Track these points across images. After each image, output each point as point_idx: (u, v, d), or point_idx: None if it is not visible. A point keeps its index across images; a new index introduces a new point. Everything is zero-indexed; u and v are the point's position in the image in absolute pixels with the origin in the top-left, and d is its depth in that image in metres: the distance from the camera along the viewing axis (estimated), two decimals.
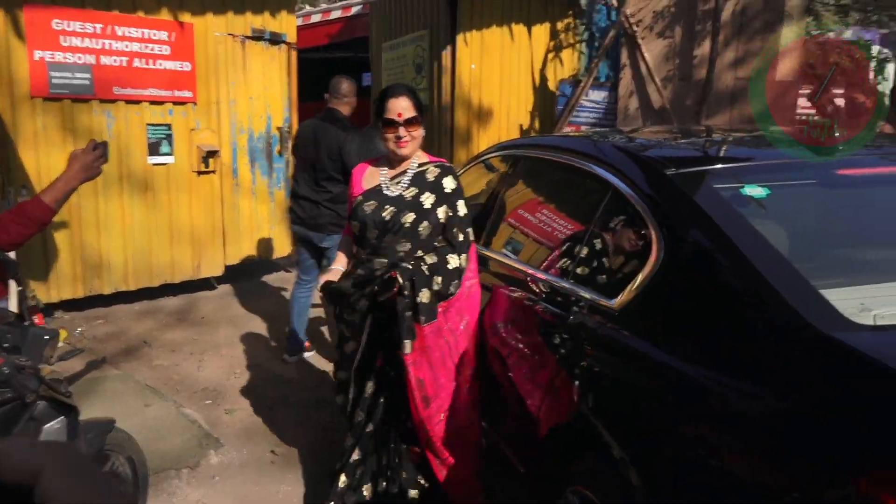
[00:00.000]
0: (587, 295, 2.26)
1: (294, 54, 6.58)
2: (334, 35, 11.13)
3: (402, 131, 2.55)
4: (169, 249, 5.88)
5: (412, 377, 2.44)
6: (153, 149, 5.67)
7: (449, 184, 2.62)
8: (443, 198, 2.59)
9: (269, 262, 6.82)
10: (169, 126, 5.73)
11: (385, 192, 2.63)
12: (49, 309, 5.35)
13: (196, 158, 5.88)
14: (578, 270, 2.41)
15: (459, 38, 7.37)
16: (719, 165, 2.30)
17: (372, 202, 2.61)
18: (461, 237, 2.59)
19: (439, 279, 2.47)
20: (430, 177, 2.63)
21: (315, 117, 4.37)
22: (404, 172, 2.65)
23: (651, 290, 1.99)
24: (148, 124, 5.62)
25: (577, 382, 2.12)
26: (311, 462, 3.39)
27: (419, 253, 2.54)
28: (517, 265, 2.81)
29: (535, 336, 2.48)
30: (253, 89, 6.32)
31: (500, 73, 7.69)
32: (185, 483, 3.19)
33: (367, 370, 2.63)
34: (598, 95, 7.64)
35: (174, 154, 5.79)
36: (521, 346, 2.55)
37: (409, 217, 2.55)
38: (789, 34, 6.18)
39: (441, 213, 2.57)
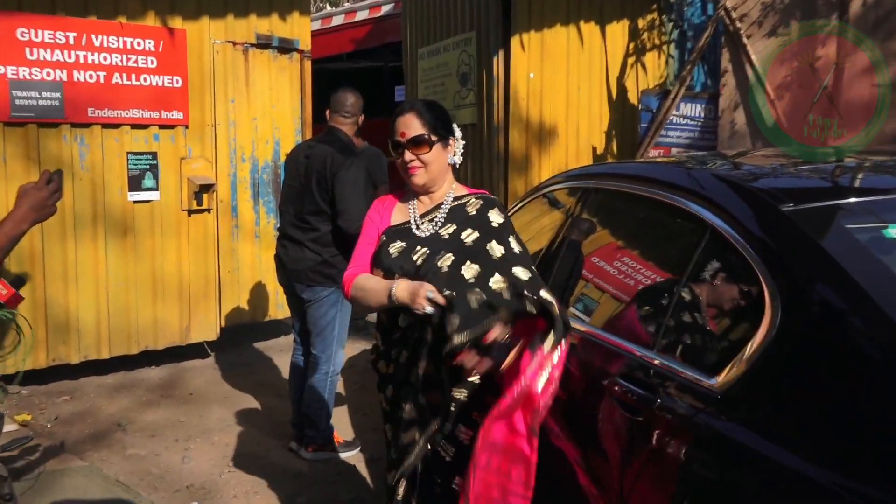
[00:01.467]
0: (680, 371, 2.21)
1: (308, 64, 6.76)
2: (360, 40, 11.40)
3: (407, 155, 2.58)
4: (152, 308, 5.99)
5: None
6: (135, 183, 5.84)
7: (495, 217, 2.61)
8: (489, 233, 2.57)
9: (275, 324, 6.88)
10: (154, 154, 5.90)
11: (415, 231, 2.64)
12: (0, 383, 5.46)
13: (187, 194, 6.02)
14: (667, 338, 2.35)
15: (514, 42, 7.45)
16: (853, 199, 2.24)
17: (399, 244, 2.62)
18: (523, 276, 2.48)
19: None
20: (472, 210, 2.64)
21: (313, 138, 4.46)
22: (438, 207, 2.67)
23: (764, 366, 1.93)
24: (129, 153, 5.80)
25: (665, 488, 2.05)
26: None
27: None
28: (587, 329, 2.77)
29: (610, 425, 2.42)
30: (257, 108, 6.49)
31: (566, 83, 7.73)
32: None
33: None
34: (693, 109, 7.59)
35: (160, 189, 5.95)
36: (590, 438, 2.48)
37: (447, 259, 2.52)
38: None
39: (494, 249, 2.53)
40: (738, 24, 7.07)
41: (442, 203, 2.66)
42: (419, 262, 2.55)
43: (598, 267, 2.97)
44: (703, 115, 7.59)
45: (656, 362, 2.32)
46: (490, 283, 2.45)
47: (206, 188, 6.06)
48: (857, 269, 1.87)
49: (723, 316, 2.26)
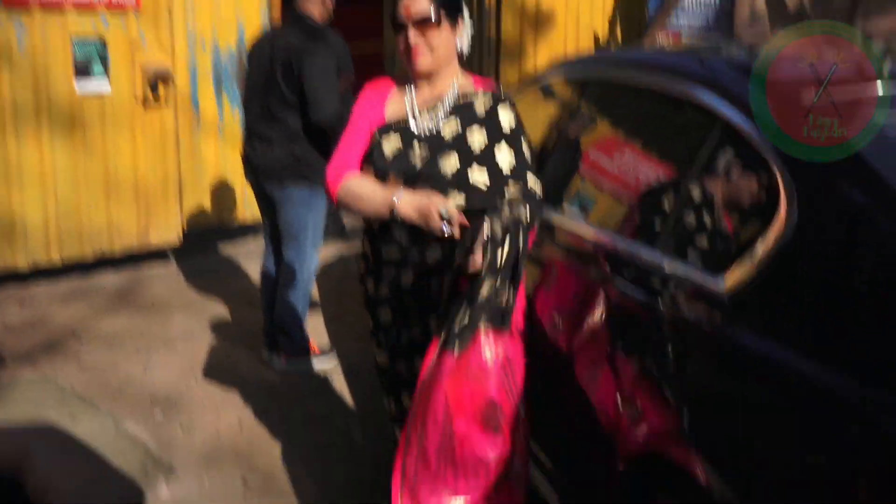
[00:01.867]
0: (684, 272, 2.22)
1: None
2: None
3: (413, 36, 2.49)
4: (105, 209, 5.96)
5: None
6: (82, 71, 5.72)
7: (506, 118, 2.54)
8: (500, 136, 2.51)
9: (243, 227, 6.88)
10: (102, 41, 5.77)
11: (413, 127, 2.57)
12: None
13: (141, 85, 5.92)
14: (671, 236, 2.37)
15: None
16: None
17: (395, 142, 2.55)
18: (530, 185, 2.49)
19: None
20: (479, 107, 2.56)
21: (277, 25, 4.37)
22: (440, 99, 2.59)
23: (778, 266, 1.94)
24: (73, 38, 5.65)
25: (668, 399, 2.10)
26: (297, 494, 3.44)
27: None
28: (585, 230, 2.79)
29: (609, 331, 2.45)
30: None
31: None
32: None
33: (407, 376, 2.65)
34: None
35: (110, 79, 5.84)
36: (587, 345, 2.52)
37: (452, 162, 2.48)
38: None
39: (502, 157, 2.49)
40: None
41: (444, 94, 2.59)
42: (418, 163, 2.50)
43: (598, 164, 2.97)
44: None
45: (659, 263, 2.33)
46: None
47: (163, 78, 5.95)
48: (883, 161, 1.87)
49: (732, 214, 2.26)
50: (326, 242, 5.27)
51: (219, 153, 6.51)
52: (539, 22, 7.58)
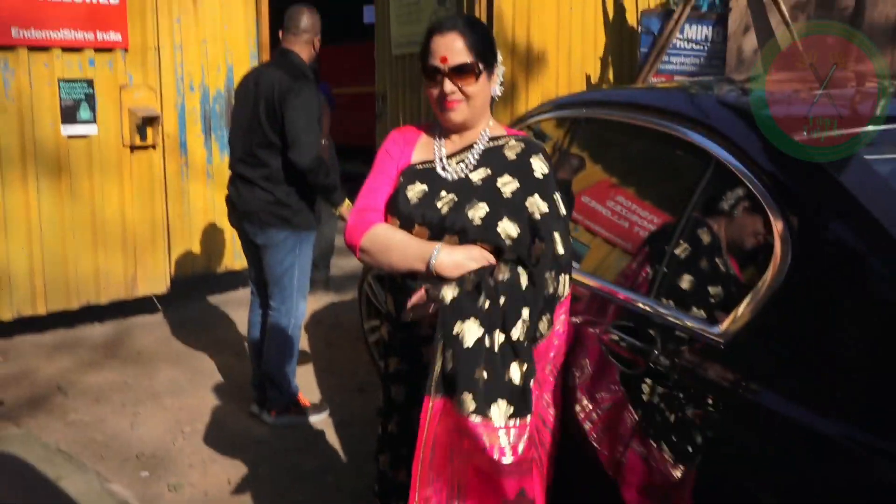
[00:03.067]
0: (678, 318, 2.22)
1: None
2: None
3: (448, 85, 2.38)
4: (93, 257, 5.93)
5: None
6: (68, 115, 5.72)
7: (539, 166, 2.44)
8: (532, 185, 2.39)
9: (232, 275, 6.86)
10: (90, 82, 5.78)
11: (441, 172, 2.48)
12: None
13: (128, 127, 5.92)
14: (665, 283, 2.36)
15: None
16: (873, 127, 2.21)
17: (420, 186, 2.45)
18: (561, 248, 2.35)
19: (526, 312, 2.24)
20: (510, 154, 2.47)
21: (263, 63, 4.40)
22: (469, 148, 2.50)
23: (773, 311, 1.94)
24: (61, 80, 5.67)
25: (665, 448, 2.09)
26: None
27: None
28: (578, 276, 2.76)
29: (603, 380, 2.43)
30: (207, 29, 6.38)
31: (556, 2, 7.62)
32: None
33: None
34: (699, 32, 7.54)
35: (98, 122, 5.84)
36: (581, 395, 2.49)
37: (480, 209, 2.35)
38: None
39: (533, 205, 2.35)
40: None
41: (475, 143, 2.50)
42: (444, 210, 2.38)
43: (589, 207, 2.96)
44: (709, 38, 7.55)
45: (653, 309, 2.33)
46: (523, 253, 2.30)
47: (151, 121, 5.96)
48: (878, 205, 1.86)
49: (727, 259, 2.26)
50: (313, 292, 5.24)
51: (207, 197, 6.52)
52: (531, 61, 7.62)
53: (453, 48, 2.35)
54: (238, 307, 6.44)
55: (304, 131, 4.13)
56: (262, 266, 4.45)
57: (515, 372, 2.17)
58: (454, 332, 2.12)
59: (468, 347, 2.12)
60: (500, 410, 2.12)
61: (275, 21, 6.69)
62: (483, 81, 2.42)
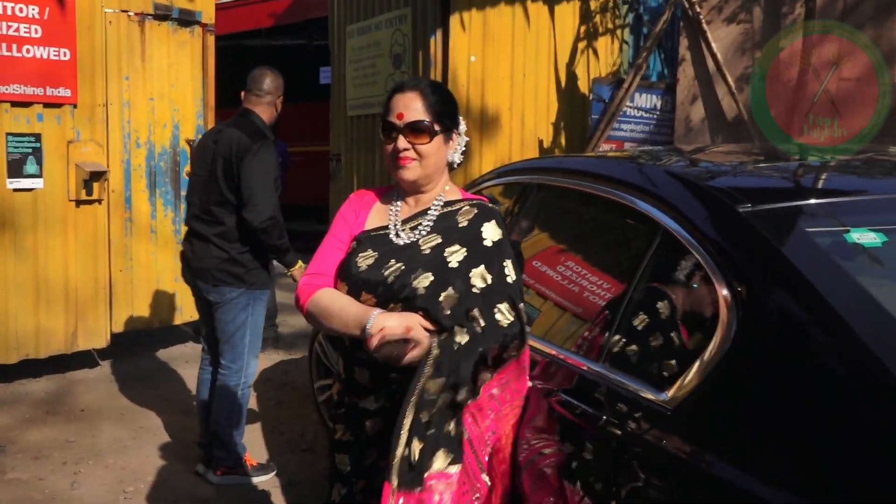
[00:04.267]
0: (627, 384, 2.23)
1: (212, 39, 6.76)
2: (281, 15, 11.30)
3: (401, 142, 2.40)
4: (33, 312, 5.84)
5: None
6: (14, 168, 5.67)
7: (491, 233, 2.43)
8: (480, 254, 2.39)
9: (173, 330, 6.79)
10: (37, 137, 5.76)
11: (394, 238, 2.48)
12: None
13: (75, 183, 5.89)
14: (614, 349, 2.38)
15: (454, 20, 7.46)
16: (814, 200, 2.29)
17: (370, 253, 2.44)
18: (510, 318, 2.34)
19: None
20: (462, 220, 2.46)
21: (224, 122, 4.45)
22: (424, 213, 2.50)
23: (718, 380, 1.96)
24: (8, 134, 5.63)
25: None
26: None
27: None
28: (529, 341, 2.77)
29: (552, 444, 2.43)
30: (155, 87, 6.41)
31: (510, 68, 7.77)
32: None
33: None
34: (648, 100, 7.72)
35: (44, 176, 5.80)
36: (530, 459, 2.49)
37: (425, 279, 2.34)
38: None
39: (477, 277, 2.35)
40: (698, 9, 7.21)
41: (430, 208, 2.50)
42: (391, 278, 2.36)
43: (540, 272, 2.98)
44: (659, 106, 7.72)
45: (602, 375, 2.34)
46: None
47: (97, 176, 5.94)
48: (818, 276, 1.91)
49: (674, 326, 2.28)
50: (263, 349, 5.20)
51: (150, 253, 6.48)
52: (484, 127, 7.72)
53: (411, 106, 2.39)
54: (182, 363, 6.36)
55: (259, 190, 4.15)
56: (214, 324, 4.42)
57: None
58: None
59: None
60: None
61: (221, 81, 6.80)
62: (438, 143, 2.44)
